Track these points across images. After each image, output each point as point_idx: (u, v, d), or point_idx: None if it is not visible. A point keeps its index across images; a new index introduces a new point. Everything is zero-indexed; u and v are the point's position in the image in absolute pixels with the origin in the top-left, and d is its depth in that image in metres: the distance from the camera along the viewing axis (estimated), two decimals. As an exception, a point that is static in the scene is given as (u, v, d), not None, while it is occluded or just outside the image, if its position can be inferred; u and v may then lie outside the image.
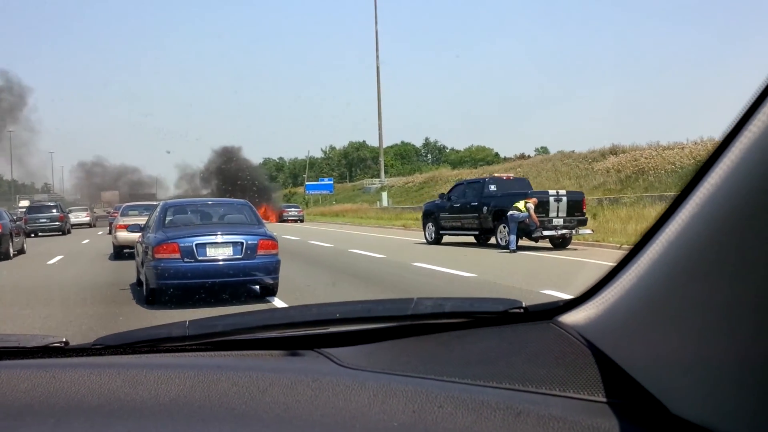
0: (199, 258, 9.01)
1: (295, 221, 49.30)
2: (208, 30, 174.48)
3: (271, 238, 9.54)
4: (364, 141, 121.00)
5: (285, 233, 28.97)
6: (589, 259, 14.28)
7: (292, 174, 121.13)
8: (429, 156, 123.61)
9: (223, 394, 1.07)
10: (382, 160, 78.35)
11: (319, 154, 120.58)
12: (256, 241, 9.28)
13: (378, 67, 73.85)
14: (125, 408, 1.05)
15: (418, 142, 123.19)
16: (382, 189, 69.76)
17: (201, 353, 1.35)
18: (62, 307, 9.01)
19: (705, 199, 0.82)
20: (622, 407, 0.97)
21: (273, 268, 9.34)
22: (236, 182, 53.83)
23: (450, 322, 1.36)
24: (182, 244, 9.00)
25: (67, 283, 11.86)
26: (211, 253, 9.08)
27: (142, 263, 9.76)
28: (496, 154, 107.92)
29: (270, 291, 9.55)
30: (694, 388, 0.85)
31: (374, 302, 1.49)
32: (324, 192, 79.00)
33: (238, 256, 9.14)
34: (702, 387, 0.84)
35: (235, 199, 12.99)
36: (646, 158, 38.99)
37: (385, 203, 60.87)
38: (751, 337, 0.76)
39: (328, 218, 53.86)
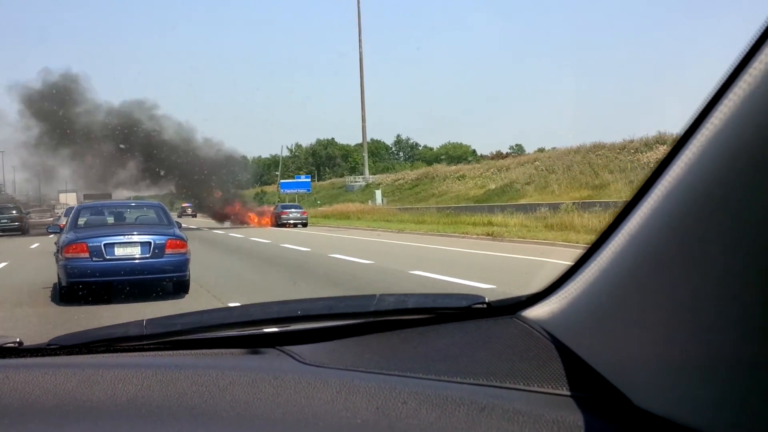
0: (108, 257, 9.54)
1: (295, 225, 38.32)
2: (162, 21, 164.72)
3: (180, 237, 10.12)
4: (332, 138, 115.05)
5: (330, 248, 18.83)
6: None
7: (256, 173, 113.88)
8: (401, 154, 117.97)
9: (182, 394, 1.05)
10: (366, 155, 72.13)
11: (284, 153, 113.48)
12: (164, 241, 9.82)
13: (361, 53, 67.48)
14: (81, 408, 1.03)
15: (389, 140, 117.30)
16: (375, 187, 63.34)
17: (159, 352, 1.32)
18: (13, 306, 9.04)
19: (665, 194, 0.83)
20: (586, 400, 0.97)
21: (181, 266, 9.88)
22: (193, 177, 40.42)
23: (413, 318, 1.34)
24: (90, 244, 9.50)
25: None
26: (119, 252, 9.64)
27: (57, 262, 10.11)
28: (474, 151, 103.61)
29: (182, 287, 10.13)
30: (656, 381, 0.86)
31: (336, 299, 1.51)
32: (301, 191, 71.74)
33: (146, 255, 9.69)
34: (664, 379, 0.84)
35: (148, 201, 14.61)
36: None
37: (379, 202, 54.70)
38: (711, 329, 0.75)
39: (334, 221, 43.25)
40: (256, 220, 42.17)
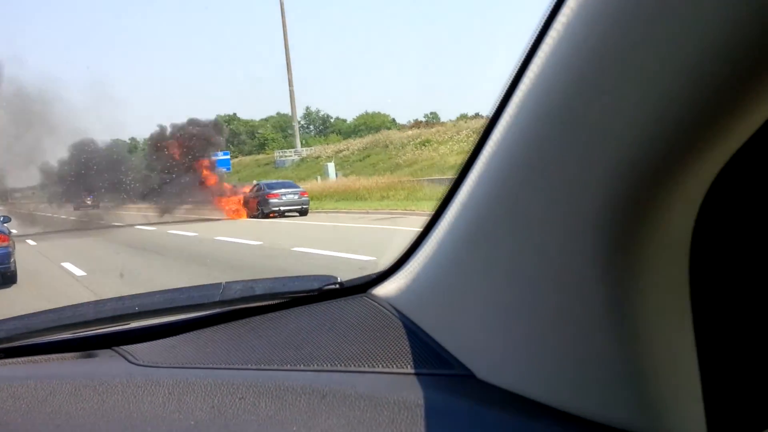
0: None
1: (283, 215, 25.26)
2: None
3: (1, 232, 11.39)
4: (234, 113, 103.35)
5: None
6: None
7: (147, 155, 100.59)
8: (311, 127, 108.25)
9: None
10: (296, 125, 62.66)
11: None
12: None
13: (283, 8, 57.45)
14: None
15: (297, 113, 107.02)
16: (312, 161, 54.15)
17: None
18: None
19: (488, 159, 0.80)
20: (431, 377, 0.95)
21: (2, 259, 11.04)
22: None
23: (263, 305, 1.26)
24: None
25: None
26: None
27: None
28: (393, 120, 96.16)
29: (8, 279, 11.19)
30: (493, 352, 0.85)
31: (178, 291, 1.37)
32: (220, 170, 61.16)
33: None
34: (503, 351, 0.84)
35: None
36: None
37: (333, 177, 45.92)
38: (535, 294, 0.75)
39: (348, 204, 31.11)
40: (227, 205, 30.00)
